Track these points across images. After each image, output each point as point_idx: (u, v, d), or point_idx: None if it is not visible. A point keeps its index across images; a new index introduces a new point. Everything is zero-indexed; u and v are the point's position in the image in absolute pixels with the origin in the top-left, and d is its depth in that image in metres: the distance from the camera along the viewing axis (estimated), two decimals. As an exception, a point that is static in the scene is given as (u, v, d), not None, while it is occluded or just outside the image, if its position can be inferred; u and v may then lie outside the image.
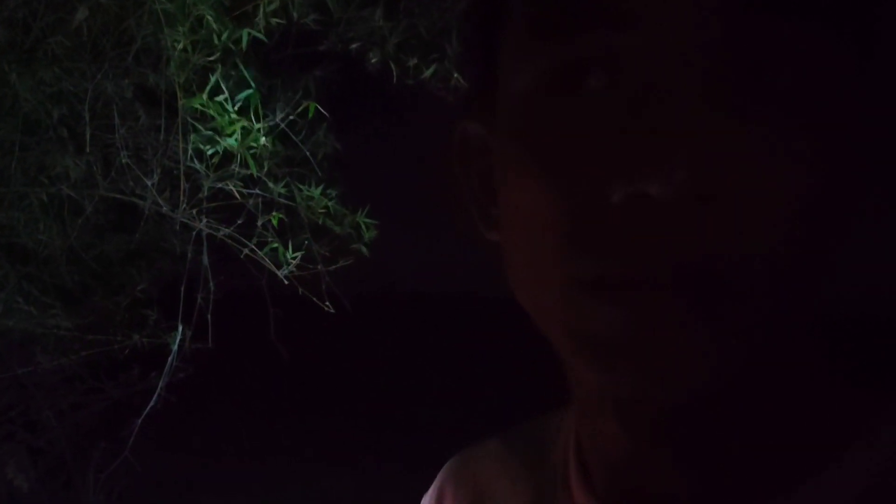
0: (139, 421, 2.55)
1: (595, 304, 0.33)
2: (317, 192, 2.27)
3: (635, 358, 0.32)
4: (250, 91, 1.91)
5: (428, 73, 2.07)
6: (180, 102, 1.86)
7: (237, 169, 2.01)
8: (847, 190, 0.34)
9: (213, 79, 1.80)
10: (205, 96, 1.83)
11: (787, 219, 0.31)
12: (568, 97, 0.34)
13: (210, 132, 1.93)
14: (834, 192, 0.33)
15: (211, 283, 2.32)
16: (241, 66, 1.92)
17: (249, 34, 1.89)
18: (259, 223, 2.16)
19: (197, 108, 1.89)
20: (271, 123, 2.00)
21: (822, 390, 0.37)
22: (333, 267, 2.27)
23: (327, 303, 2.17)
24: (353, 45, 2.08)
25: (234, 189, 2.05)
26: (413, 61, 2.13)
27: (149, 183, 2.03)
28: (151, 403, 2.47)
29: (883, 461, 0.34)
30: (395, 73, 2.08)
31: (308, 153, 2.22)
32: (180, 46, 1.85)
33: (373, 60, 2.13)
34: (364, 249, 2.33)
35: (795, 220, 0.32)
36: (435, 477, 0.58)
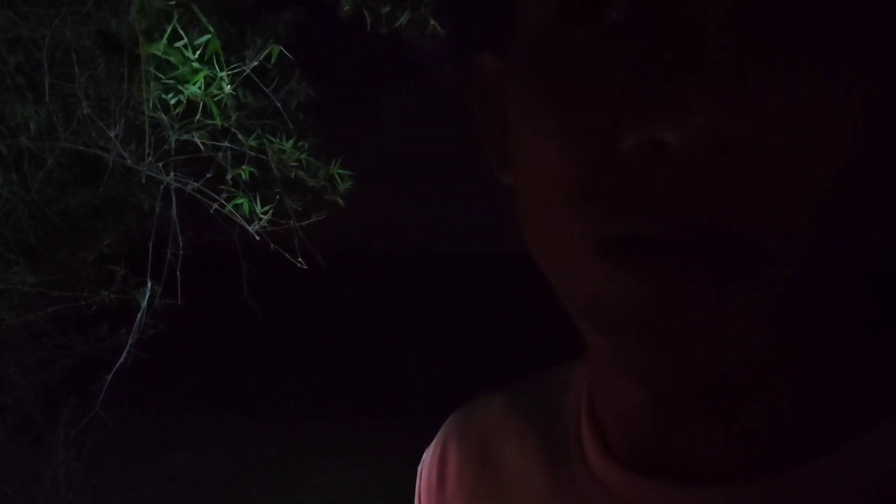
0: (109, 377, 2.51)
1: (607, 265, 0.30)
2: (288, 144, 2.21)
3: (656, 336, 0.29)
4: (208, 36, 1.82)
5: (403, 19, 2.01)
6: (141, 49, 1.77)
7: (202, 119, 1.93)
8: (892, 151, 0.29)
9: (171, 24, 1.71)
10: (163, 42, 1.74)
11: (824, 178, 0.27)
12: (587, 29, 0.30)
13: (172, 80, 1.85)
14: (879, 152, 0.28)
15: (180, 239, 2.26)
16: (197, 10, 1.83)
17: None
18: (229, 177, 2.10)
19: (158, 56, 1.80)
20: (236, 70, 1.91)
21: (856, 357, 0.35)
22: (306, 222, 2.22)
23: (300, 259, 2.13)
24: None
25: (200, 141, 1.98)
26: (386, 9, 2.06)
27: (112, 134, 1.95)
28: (121, 360, 2.43)
29: None
30: (368, 21, 2.01)
31: (279, 104, 2.15)
32: (141, -10, 1.76)
33: (345, 8, 2.05)
34: (340, 201, 2.29)
35: (834, 179, 0.28)
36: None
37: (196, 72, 1.79)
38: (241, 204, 2.05)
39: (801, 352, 0.33)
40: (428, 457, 0.54)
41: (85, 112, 1.97)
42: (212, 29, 1.75)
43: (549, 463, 0.44)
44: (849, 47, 0.27)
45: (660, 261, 0.28)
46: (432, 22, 2.08)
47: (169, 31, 1.69)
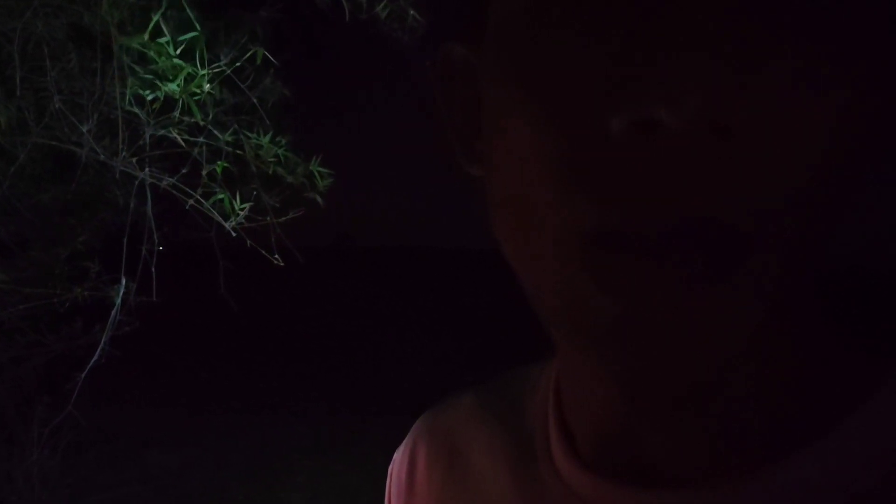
0: (83, 375, 2.47)
1: (597, 268, 0.28)
2: (266, 139, 2.18)
3: (638, 344, 0.28)
4: (195, 33, 1.80)
5: (381, 10, 1.99)
6: (115, 44, 1.74)
7: (180, 116, 1.91)
8: (880, 141, 0.28)
9: (154, 18, 1.68)
10: (146, 36, 1.72)
11: (813, 167, 0.26)
12: (569, 10, 0.28)
13: (150, 76, 1.82)
14: (869, 139, 0.27)
15: (155, 235, 2.23)
16: (186, 6, 1.80)
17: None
18: (205, 172, 2.07)
19: (135, 50, 1.78)
20: (217, 69, 1.89)
21: (822, 352, 0.34)
22: (284, 219, 2.20)
23: (276, 256, 2.11)
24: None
25: (177, 137, 1.95)
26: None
27: (84, 129, 1.92)
28: (95, 358, 2.40)
29: (885, 427, 0.31)
30: (347, 12, 1.99)
31: (255, 100, 2.13)
32: (115, -17, 1.73)
33: (325, -1, 2.04)
34: (319, 199, 2.27)
35: (821, 169, 0.26)
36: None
37: (176, 68, 1.76)
38: (222, 200, 2.02)
39: (773, 352, 0.33)
40: (398, 457, 0.53)
41: (57, 106, 1.93)
42: (198, 27, 1.72)
43: (516, 463, 0.43)
44: (841, 35, 0.26)
45: (651, 261, 0.26)
46: (412, 13, 2.06)
47: (152, 25, 1.67)
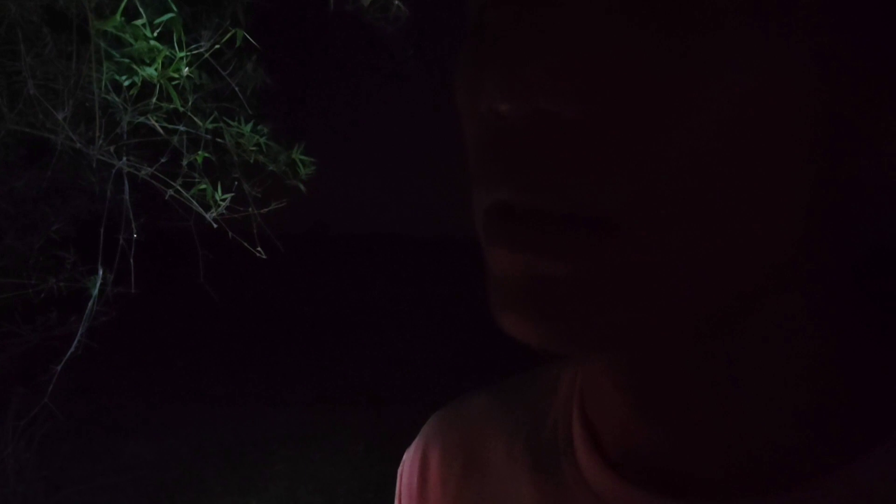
0: (59, 367, 2.43)
1: (490, 237, 0.30)
2: (247, 128, 2.15)
3: (533, 308, 0.29)
4: (171, 15, 1.75)
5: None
6: (92, 27, 1.68)
7: (158, 102, 1.86)
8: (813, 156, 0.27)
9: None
10: (118, 18, 1.66)
11: (678, 154, 0.26)
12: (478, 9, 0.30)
13: (126, 60, 1.77)
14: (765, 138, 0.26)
15: (133, 224, 2.19)
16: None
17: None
18: (184, 162, 2.03)
19: (111, 34, 1.72)
20: (195, 51, 1.85)
21: (857, 359, 0.32)
22: (266, 210, 2.17)
23: (259, 248, 2.08)
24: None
25: (156, 124, 1.91)
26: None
27: (60, 116, 1.87)
28: (71, 349, 2.36)
29: None
30: (331, 2, 1.96)
31: (236, 87, 2.09)
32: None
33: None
34: (302, 187, 2.25)
35: (692, 158, 0.26)
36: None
37: (153, 51, 1.71)
38: (203, 190, 1.99)
39: (799, 358, 0.31)
40: (408, 459, 0.52)
41: (31, 92, 1.88)
42: (175, 8, 1.67)
43: (537, 466, 0.42)
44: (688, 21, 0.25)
45: (525, 229, 0.28)
46: (396, 2, 2.04)
47: (123, 5, 1.61)
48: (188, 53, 1.81)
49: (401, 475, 0.52)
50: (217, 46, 1.88)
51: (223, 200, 2.02)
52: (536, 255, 0.28)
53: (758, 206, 0.27)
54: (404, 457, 0.52)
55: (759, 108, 0.26)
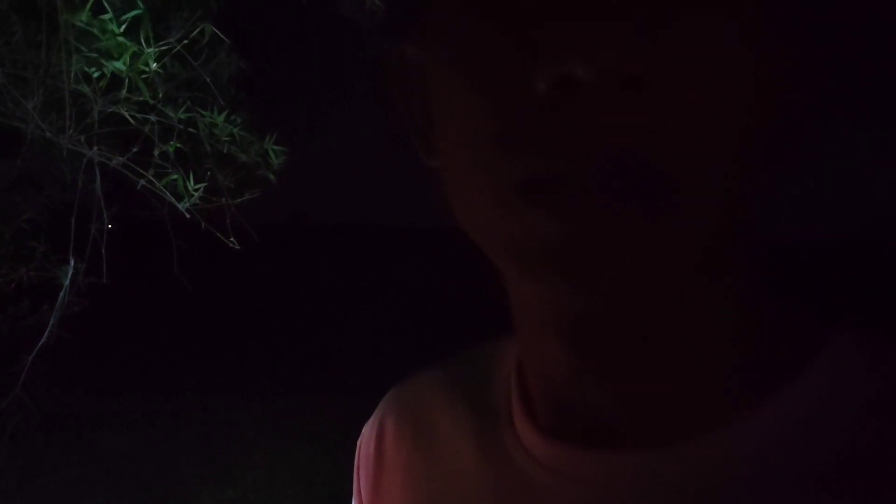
0: (31, 358, 2.41)
1: (526, 207, 0.31)
2: (220, 117, 2.14)
3: (576, 270, 0.30)
4: (138, 11, 1.74)
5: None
6: (61, 17, 1.67)
7: (127, 94, 1.85)
8: (802, 100, 0.31)
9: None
10: (86, 13, 1.65)
11: (734, 116, 0.29)
12: None
13: (94, 54, 1.76)
14: (789, 97, 0.30)
15: (105, 214, 2.18)
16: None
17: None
18: (156, 152, 2.02)
19: (80, 27, 1.71)
20: (165, 46, 1.84)
21: (765, 314, 0.36)
22: (239, 200, 2.17)
23: (232, 238, 2.07)
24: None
25: (126, 114, 1.90)
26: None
27: (29, 105, 1.85)
28: (43, 340, 2.34)
29: (832, 386, 0.34)
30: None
31: (209, 78, 2.08)
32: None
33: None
34: (272, 177, 2.25)
35: (743, 118, 0.29)
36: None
37: (121, 46, 1.70)
38: (175, 180, 1.98)
39: (717, 315, 0.35)
40: (366, 432, 0.55)
41: (0, 81, 1.86)
42: (142, 5, 1.66)
43: (481, 433, 0.45)
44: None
45: (575, 198, 0.29)
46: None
47: (91, 1, 1.60)
48: (156, 49, 1.80)
49: (359, 446, 0.55)
50: (185, 42, 1.87)
51: (196, 190, 2.01)
52: (594, 224, 0.29)
53: (749, 179, 0.31)
54: (363, 430, 0.56)
55: (758, 90, 0.29)
